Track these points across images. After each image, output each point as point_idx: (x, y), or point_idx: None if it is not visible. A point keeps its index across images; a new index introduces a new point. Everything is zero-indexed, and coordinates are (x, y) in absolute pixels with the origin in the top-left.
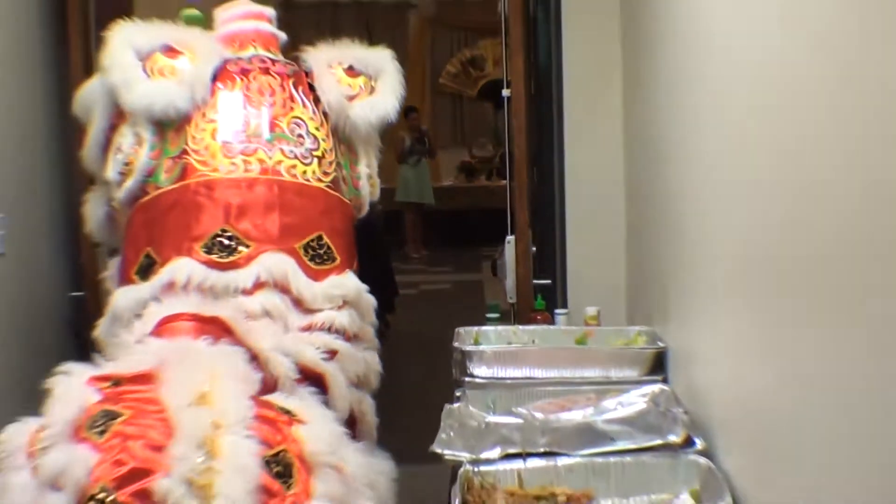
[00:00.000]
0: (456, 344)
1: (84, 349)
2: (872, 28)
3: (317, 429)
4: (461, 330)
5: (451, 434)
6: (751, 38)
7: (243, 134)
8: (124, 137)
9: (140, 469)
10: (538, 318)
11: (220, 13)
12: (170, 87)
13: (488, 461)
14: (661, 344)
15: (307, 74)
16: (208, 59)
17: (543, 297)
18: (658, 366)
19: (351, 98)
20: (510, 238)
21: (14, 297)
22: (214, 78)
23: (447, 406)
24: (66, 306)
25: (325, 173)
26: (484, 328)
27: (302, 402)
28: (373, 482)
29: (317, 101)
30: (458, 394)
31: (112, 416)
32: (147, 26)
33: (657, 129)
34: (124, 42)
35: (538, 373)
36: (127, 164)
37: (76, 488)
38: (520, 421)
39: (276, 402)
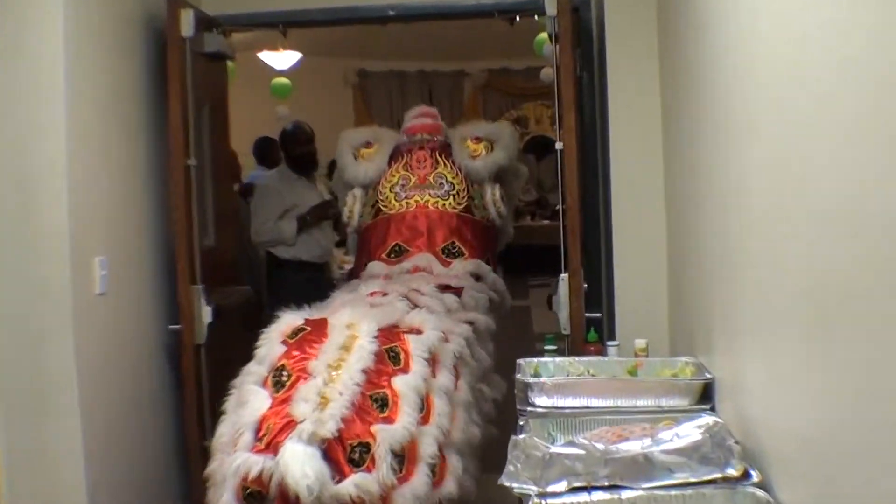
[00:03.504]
0: (518, 376)
1: (179, 373)
2: None
3: (421, 337)
4: (522, 362)
5: (518, 466)
6: (797, 79)
7: (407, 187)
8: (348, 197)
9: (304, 356)
10: (591, 349)
11: (407, 114)
12: (366, 166)
13: (555, 494)
14: (708, 375)
15: (449, 146)
16: (387, 147)
17: (595, 329)
18: (705, 395)
19: (475, 157)
20: (564, 275)
21: (116, 331)
22: (392, 156)
23: (513, 437)
24: (165, 337)
25: (458, 203)
26: (543, 360)
27: (422, 318)
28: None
29: (455, 161)
30: (521, 422)
31: (303, 329)
32: (359, 130)
33: (699, 164)
34: (344, 140)
35: (594, 402)
36: (350, 212)
37: (269, 361)
38: (581, 452)
39: (405, 323)
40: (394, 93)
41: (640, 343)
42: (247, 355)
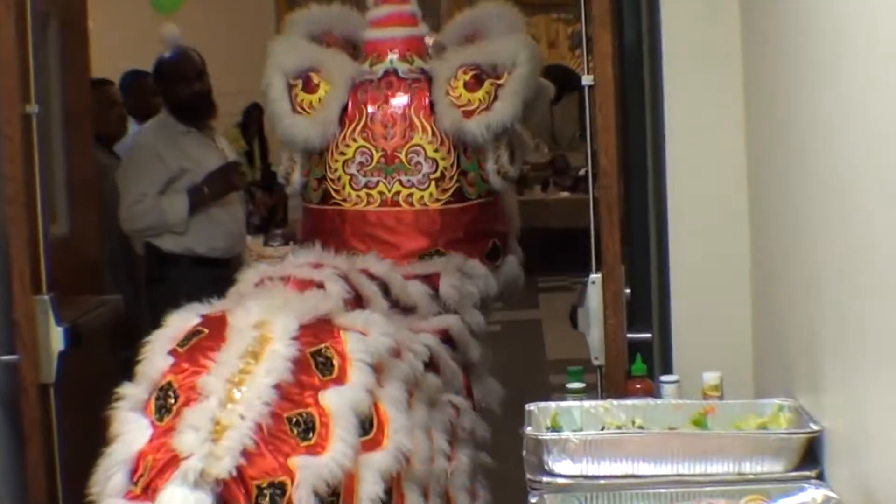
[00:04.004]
0: (528, 430)
1: (17, 424)
2: None
3: (365, 337)
4: (533, 408)
5: None
6: None
7: (367, 167)
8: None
9: (196, 371)
10: (637, 387)
11: (370, 13)
12: (306, 125)
13: None
14: (814, 426)
15: (430, 86)
16: (339, 94)
17: (643, 357)
18: (810, 456)
19: (470, 113)
20: (595, 277)
21: None
22: (345, 109)
23: None
24: None
25: (444, 190)
26: (564, 404)
27: (367, 319)
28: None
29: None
30: (532, 500)
31: (198, 333)
32: (293, 45)
33: (806, 112)
34: (276, 66)
35: (645, 468)
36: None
37: (151, 379)
38: None
39: (339, 320)
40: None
41: (711, 378)
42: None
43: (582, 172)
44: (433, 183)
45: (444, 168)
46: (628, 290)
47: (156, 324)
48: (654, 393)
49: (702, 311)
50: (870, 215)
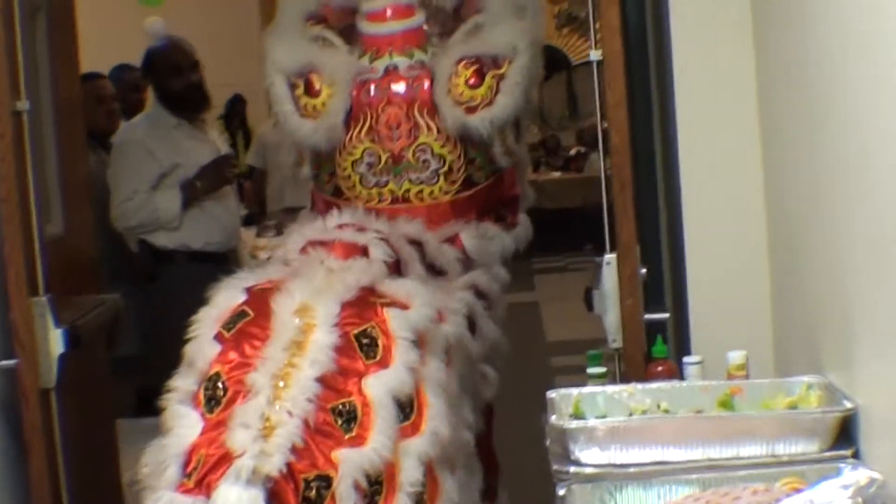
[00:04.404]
0: (553, 419)
1: (18, 431)
2: None
3: (407, 313)
4: (554, 395)
5: None
6: None
7: (376, 167)
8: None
9: (242, 362)
10: (659, 369)
11: (366, 5)
12: (312, 130)
13: None
14: (848, 404)
15: (432, 80)
16: (342, 98)
17: (662, 338)
18: (844, 435)
19: (473, 109)
20: (609, 258)
21: None
22: (349, 112)
23: None
24: None
25: (453, 182)
26: (586, 390)
27: (409, 289)
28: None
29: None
30: (560, 491)
31: (244, 315)
32: (290, 45)
33: (825, 74)
34: (275, 66)
35: (675, 454)
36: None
37: (200, 370)
38: None
39: (383, 289)
40: None
41: (736, 357)
42: (121, 398)
43: (573, 152)
44: (442, 177)
45: (452, 162)
46: (643, 270)
47: (154, 323)
48: (676, 375)
49: (718, 288)
50: None
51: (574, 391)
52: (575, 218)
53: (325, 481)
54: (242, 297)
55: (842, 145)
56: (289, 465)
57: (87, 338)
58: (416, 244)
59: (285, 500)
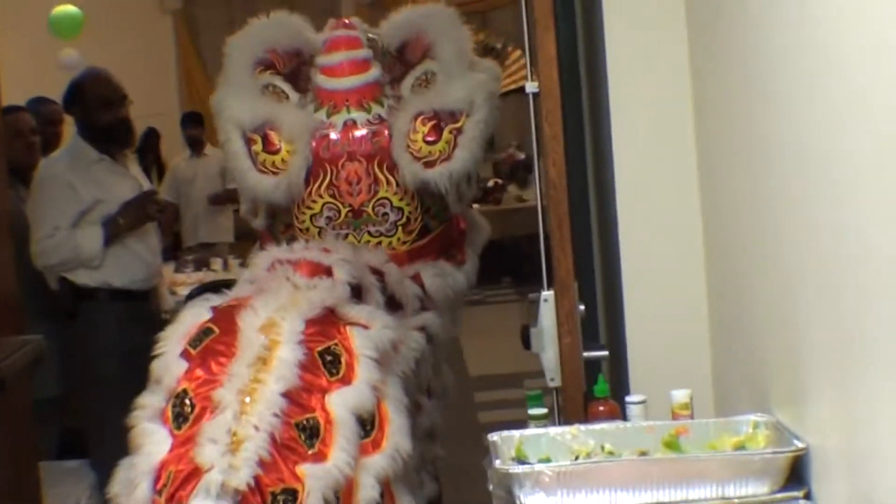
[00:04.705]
0: (497, 463)
1: None
2: None
3: (369, 332)
4: (496, 438)
5: None
6: None
7: (335, 222)
8: (245, 202)
9: (209, 379)
10: (601, 408)
11: (321, 59)
12: (272, 186)
13: None
14: (798, 443)
15: (390, 136)
16: (303, 153)
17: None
18: (795, 475)
19: (431, 164)
20: (547, 294)
21: None
22: (309, 169)
23: None
24: None
25: (410, 232)
26: (528, 432)
27: (371, 313)
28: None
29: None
30: None
31: (209, 332)
32: (245, 102)
33: (754, 116)
34: (231, 121)
35: (623, 498)
36: (252, 213)
37: (167, 387)
38: None
39: (345, 313)
40: (237, 23)
41: (681, 396)
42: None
43: (491, 184)
44: (400, 228)
45: (410, 213)
46: (581, 307)
47: (75, 361)
48: (618, 414)
49: (656, 324)
50: (858, 198)
51: (516, 433)
52: (493, 251)
53: (292, 495)
54: (208, 315)
55: (783, 173)
56: (256, 479)
57: (9, 381)
58: (378, 273)
59: None
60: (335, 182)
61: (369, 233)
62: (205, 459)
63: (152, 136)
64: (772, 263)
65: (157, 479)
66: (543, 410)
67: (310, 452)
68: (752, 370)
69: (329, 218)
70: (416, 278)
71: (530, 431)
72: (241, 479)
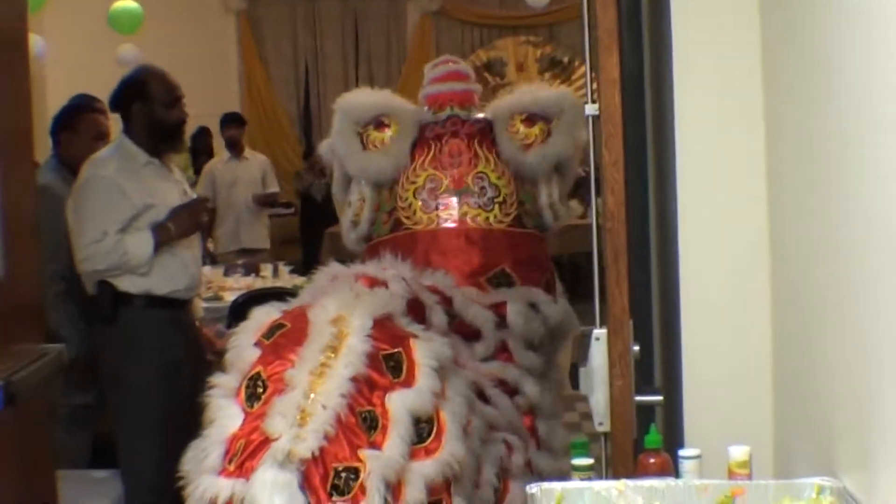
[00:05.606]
0: None
1: None
2: None
3: (429, 344)
4: (535, 490)
5: None
6: None
7: (437, 192)
8: (352, 195)
9: (281, 363)
10: (651, 461)
11: (428, 72)
12: (379, 159)
13: None
14: None
15: (490, 127)
16: (408, 132)
17: (654, 425)
18: None
19: (528, 146)
20: (599, 332)
21: None
22: (415, 145)
23: None
24: None
25: (507, 214)
26: (570, 485)
27: (427, 335)
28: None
29: (500, 152)
30: None
31: (281, 326)
32: (362, 96)
33: (826, 152)
34: (345, 115)
35: None
36: (356, 215)
37: (241, 370)
38: None
39: (405, 326)
40: (299, 24)
41: (740, 453)
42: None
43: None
44: (497, 206)
45: (506, 194)
46: (636, 348)
47: (106, 365)
48: (669, 469)
49: (716, 371)
50: None
51: (557, 486)
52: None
53: (354, 473)
54: (278, 314)
55: (859, 220)
56: (321, 451)
57: (24, 394)
58: (439, 293)
59: (313, 485)
60: (438, 156)
61: (468, 203)
62: (273, 430)
63: (204, 135)
64: (845, 315)
65: (227, 450)
66: (589, 461)
67: (368, 439)
68: (817, 428)
69: (431, 189)
70: (500, 308)
71: (572, 485)
72: (307, 446)
